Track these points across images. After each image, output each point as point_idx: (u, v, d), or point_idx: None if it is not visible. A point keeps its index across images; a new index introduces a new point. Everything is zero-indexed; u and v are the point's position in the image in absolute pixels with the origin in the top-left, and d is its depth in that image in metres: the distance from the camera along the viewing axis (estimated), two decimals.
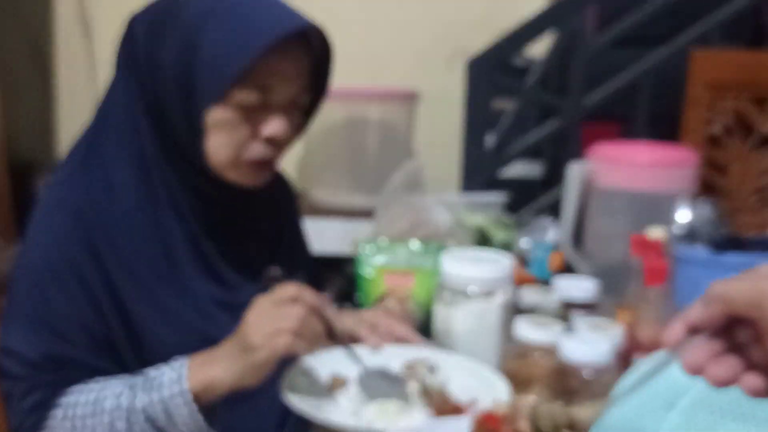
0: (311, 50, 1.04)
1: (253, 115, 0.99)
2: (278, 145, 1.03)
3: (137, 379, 0.95)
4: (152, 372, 0.95)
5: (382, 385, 0.98)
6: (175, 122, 1.00)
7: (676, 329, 0.59)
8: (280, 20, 0.96)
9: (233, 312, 1.05)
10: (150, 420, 0.92)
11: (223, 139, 0.99)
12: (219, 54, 0.95)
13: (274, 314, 0.90)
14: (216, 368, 0.92)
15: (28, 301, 0.97)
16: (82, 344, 0.97)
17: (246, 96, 0.97)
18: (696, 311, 0.59)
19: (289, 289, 0.93)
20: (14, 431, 0.97)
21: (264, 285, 0.95)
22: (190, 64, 0.96)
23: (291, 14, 0.99)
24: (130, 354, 1.00)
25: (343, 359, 1.03)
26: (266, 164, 1.04)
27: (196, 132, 0.98)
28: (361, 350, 1.03)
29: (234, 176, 1.03)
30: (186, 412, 0.91)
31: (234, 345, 0.92)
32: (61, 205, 0.99)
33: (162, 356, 0.97)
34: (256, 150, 1.01)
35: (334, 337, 0.97)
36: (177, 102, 0.98)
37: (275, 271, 0.97)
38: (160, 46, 0.98)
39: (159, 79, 0.99)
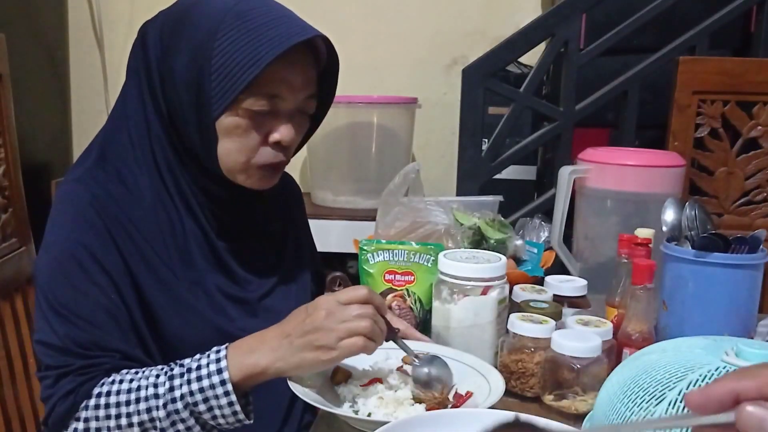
0: (318, 60, 1.05)
1: (262, 122, 1.01)
2: (286, 149, 1.05)
3: (174, 368, 0.94)
4: (189, 361, 0.94)
5: (433, 372, 0.99)
6: (186, 128, 1.01)
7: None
8: (289, 31, 0.97)
9: (243, 306, 1.08)
10: (189, 408, 0.91)
11: (233, 145, 1.00)
12: (229, 63, 0.96)
13: (346, 315, 0.91)
14: (265, 358, 0.92)
15: (53, 291, 0.97)
16: (108, 328, 0.96)
17: (255, 104, 0.98)
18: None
19: (360, 290, 0.93)
20: (46, 419, 0.97)
21: (329, 287, 0.95)
22: (201, 72, 0.97)
23: (299, 25, 1.00)
24: (152, 342, 1.01)
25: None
26: (275, 168, 1.06)
27: (207, 138, 1.00)
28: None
29: (243, 180, 1.04)
30: (225, 402, 0.91)
31: (295, 338, 0.91)
32: (79, 199, 0.99)
33: (179, 346, 0.98)
34: (266, 155, 1.03)
35: (392, 337, 0.99)
36: (188, 108, 0.99)
37: (339, 273, 0.97)
38: (172, 53, 0.99)
39: (171, 85, 1.00)
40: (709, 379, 0.69)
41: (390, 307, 1.23)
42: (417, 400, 0.96)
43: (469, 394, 0.98)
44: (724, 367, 0.69)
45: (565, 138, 2.03)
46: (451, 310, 1.10)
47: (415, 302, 1.24)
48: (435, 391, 0.97)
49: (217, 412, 0.92)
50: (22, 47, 2.20)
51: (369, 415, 0.93)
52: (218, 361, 0.92)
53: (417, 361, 1.00)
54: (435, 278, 1.15)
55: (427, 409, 0.93)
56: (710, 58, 1.85)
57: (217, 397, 0.91)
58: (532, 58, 2.18)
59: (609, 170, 1.51)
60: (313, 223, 1.34)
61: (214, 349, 0.94)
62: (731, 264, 1.12)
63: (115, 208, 1.00)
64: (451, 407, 0.95)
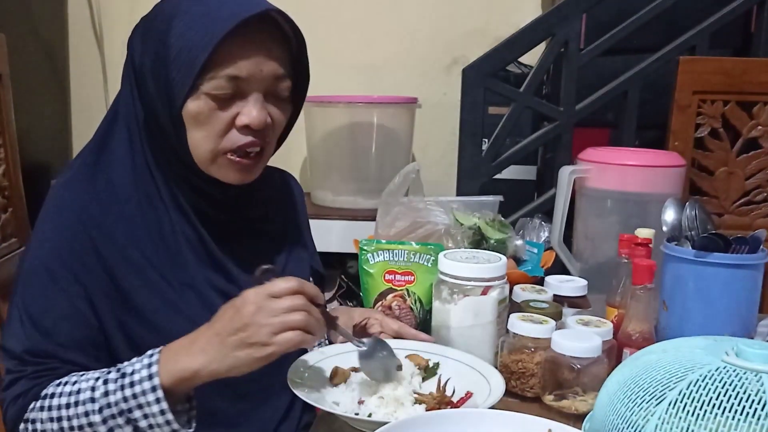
0: (284, 38, 1.02)
1: (227, 106, 0.98)
2: (259, 134, 1.01)
3: (111, 372, 0.93)
4: (125, 365, 0.93)
5: (382, 364, 0.99)
6: (162, 122, 1.00)
7: None
8: (239, 8, 0.95)
9: None
10: (124, 415, 0.91)
11: (200, 133, 0.99)
12: (185, 46, 0.95)
13: (277, 308, 0.87)
14: (196, 360, 0.89)
15: (24, 299, 0.97)
16: (69, 342, 0.97)
17: (216, 86, 0.96)
18: None
19: (290, 280, 0.89)
20: (2, 421, 0.98)
21: (257, 279, 0.91)
22: (164, 62, 0.96)
23: (252, 1, 0.97)
24: (126, 352, 1.00)
25: (341, 352, 1.05)
26: (248, 156, 1.02)
27: (177, 128, 0.99)
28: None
29: (216, 171, 1.02)
30: (157, 410, 0.89)
31: (225, 337, 0.88)
32: (64, 205, 1.00)
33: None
34: (233, 139, 1.00)
35: (333, 326, 0.96)
36: (158, 101, 0.99)
37: (269, 265, 0.92)
38: (144, 50, 1.00)
39: (144, 81, 1.00)
40: (710, 379, 0.69)
41: (390, 307, 1.23)
42: (418, 400, 0.96)
43: (469, 395, 0.98)
44: (725, 368, 0.69)
45: (565, 138, 2.03)
46: (451, 310, 1.10)
47: (415, 302, 1.24)
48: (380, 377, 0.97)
49: (151, 420, 0.90)
50: (22, 47, 2.20)
51: (369, 415, 0.93)
52: (149, 366, 0.90)
53: (362, 346, 0.99)
54: (435, 278, 1.15)
55: (427, 409, 0.93)
56: (710, 58, 1.85)
57: (149, 404, 0.89)
58: (532, 58, 2.18)
59: (609, 170, 1.51)
60: (313, 223, 1.33)
61: (149, 352, 0.93)
62: (731, 264, 1.12)
63: (100, 214, 0.99)
64: (451, 407, 0.95)
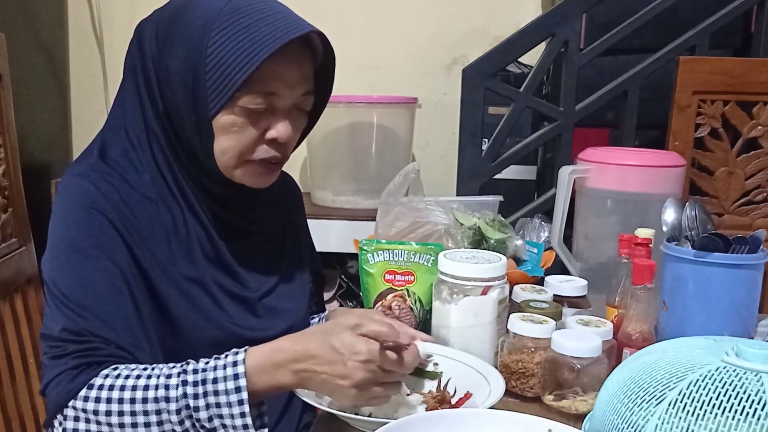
0: (314, 56, 1.05)
1: (258, 119, 1.00)
2: (283, 146, 1.04)
3: (188, 372, 0.91)
4: (202, 367, 0.91)
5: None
6: (183, 126, 1.01)
7: None
8: (284, 27, 0.97)
9: (244, 305, 1.08)
10: (201, 423, 0.90)
11: (229, 143, 1.00)
12: (224, 61, 0.95)
13: (381, 380, 0.90)
14: (289, 380, 0.90)
15: (56, 282, 0.95)
16: (109, 318, 0.94)
17: (252, 101, 0.98)
18: None
19: (408, 363, 0.92)
20: (46, 407, 0.96)
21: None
22: (196, 71, 0.97)
23: (294, 21, 0.99)
24: (156, 333, 0.99)
25: None
26: (271, 165, 1.05)
27: (204, 136, 1.00)
28: None
29: (240, 176, 1.04)
30: (240, 423, 0.89)
31: (327, 382, 0.89)
32: (83, 192, 0.98)
33: (184, 340, 0.98)
34: (262, 151, 1.02)
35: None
36: (185, 107, 0.99)
37: (390, 343, 0.92)
38: (167, 52, 0.99)
39: (167, 84, 1.00)
40: (710, 379, 0.69)
41: (390, 307, 1.23)
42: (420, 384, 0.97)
43: (468, 395, 0.98)
44: (725, 368, 0.69)
45: (565, 138, 2.03)
46: (451, 310, 1.10)
47: (415, 302, 1.23)
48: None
49: (228, 425, 0.90)
50: (22, 47, 2.20)
51: (369, 415, 0.93)
52: (236, 377, 0.89)
53: None
54: (435, 278, 1.15)
55: (427, 409, 0.93)
56: (710, 58, 1.85)
57: (232, 416, 0.89)
58: (532, 58, 2.18)
59: (609, 170, 1.51)
60: (313, 223, 1.34)
61: (231, 360, 0.91)
62: (731, 264, 1.11)
63: (119, 201, 0.99)
64: (450, 407, 0.95)
